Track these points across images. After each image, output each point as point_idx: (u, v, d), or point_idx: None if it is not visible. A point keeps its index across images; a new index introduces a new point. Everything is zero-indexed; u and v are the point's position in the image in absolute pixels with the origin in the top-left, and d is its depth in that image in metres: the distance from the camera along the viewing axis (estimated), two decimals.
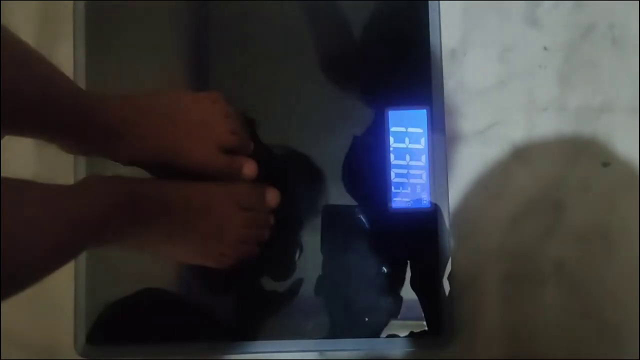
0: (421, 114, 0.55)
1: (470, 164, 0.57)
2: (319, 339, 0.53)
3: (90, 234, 0.40)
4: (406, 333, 0.53)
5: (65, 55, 0.56)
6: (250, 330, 0.54)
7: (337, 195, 0.54)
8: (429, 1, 0.56)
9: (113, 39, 0.56)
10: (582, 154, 0.57)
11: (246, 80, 0.56)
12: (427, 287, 0.54)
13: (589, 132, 0.57)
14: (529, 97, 0.57)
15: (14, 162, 0.56)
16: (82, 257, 0.54)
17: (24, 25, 0.58)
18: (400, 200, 0.54)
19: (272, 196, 0.53)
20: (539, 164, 0.57)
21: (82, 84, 0.55)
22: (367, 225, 0.54)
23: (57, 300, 0.55)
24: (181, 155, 0.49)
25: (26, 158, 0.56)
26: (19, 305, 0.55)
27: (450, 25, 0.57)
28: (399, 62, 0.56)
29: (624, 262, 0.56)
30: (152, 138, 0.47)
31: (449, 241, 0.55)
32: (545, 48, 0.58)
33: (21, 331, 0.56)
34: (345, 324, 0.54)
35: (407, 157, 0.55)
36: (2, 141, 0.39)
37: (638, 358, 0.56)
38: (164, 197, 0.47)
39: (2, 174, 0.35)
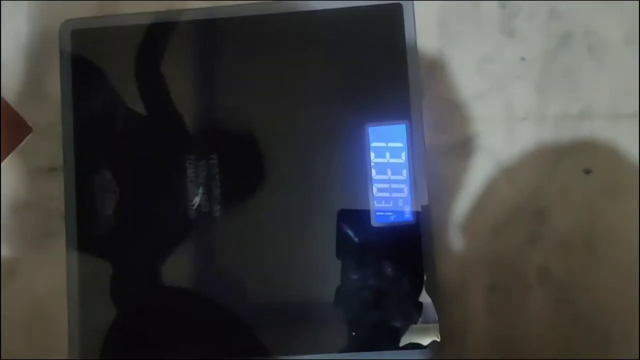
0: (400, 128, 0.55)
1: (451, 175, 0.58)
2: (301, 354, 0.54)
3: None
4: (393, 345, 0.54)
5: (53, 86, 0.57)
6: (238, 348, 0.55)
7: (319, 211, 0.55)
8: (404, 17, 0.57)
9: (100, 66, 0.57)
10: (563, 162, 0.58)
11: (222, 97, 0.57)
12: (412, 299, 0.55)
13: (569, 140, 0.58)
14: (508, 107, 0.58)
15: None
16: (75, 276, 0.55)
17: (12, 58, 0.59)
18: (383, 214, 0.55)
19: None
20: (520, 173, 0.58)
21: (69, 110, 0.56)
22: (349, 241, 0.55)
23: (52, 324, 0.56)
24: None
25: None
26: (15, 330, 0.57)
27: (427, 38, 0.58)
28: (377, 78, 0.56)
29: (608, 267, 0.57)
30: None
31: (433, 253, 0.55)
32: (522, 58, 0.59)
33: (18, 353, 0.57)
34: (332, 339, 0.54)
35: (389, 171, 0.55)
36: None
37: (638, 358, 0.56)
38: None
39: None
